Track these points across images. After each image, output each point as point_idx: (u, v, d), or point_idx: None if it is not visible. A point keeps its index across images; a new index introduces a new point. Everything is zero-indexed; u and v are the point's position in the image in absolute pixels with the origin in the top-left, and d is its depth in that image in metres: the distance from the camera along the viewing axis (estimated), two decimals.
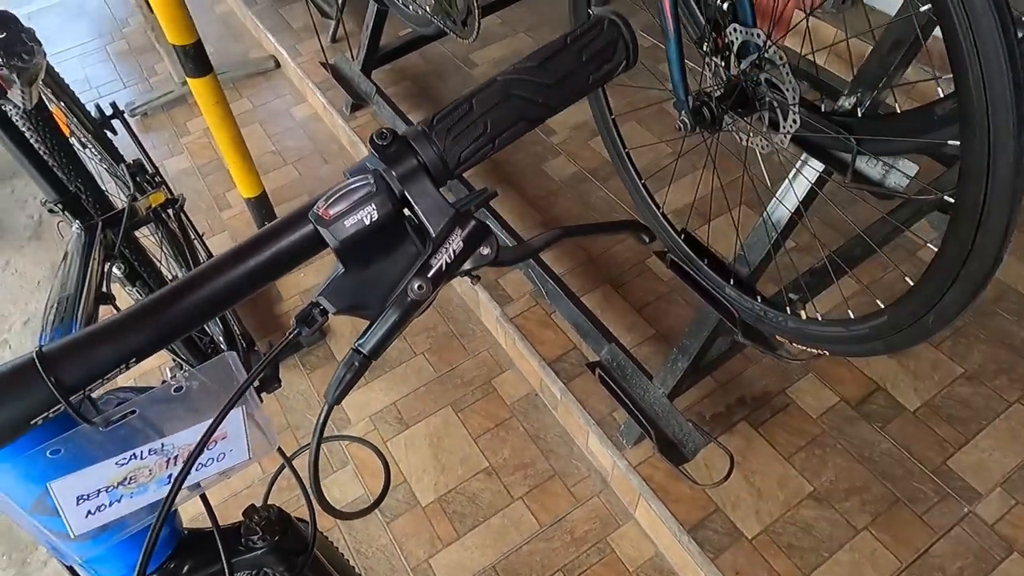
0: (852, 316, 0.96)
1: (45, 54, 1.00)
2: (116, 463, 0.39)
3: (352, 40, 2.33)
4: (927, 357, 1.56)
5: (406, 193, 0.37)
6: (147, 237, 1.49)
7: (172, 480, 0.41)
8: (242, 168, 1.87)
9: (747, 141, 1.00)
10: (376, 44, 2.21)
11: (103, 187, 1.25)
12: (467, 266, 0.38)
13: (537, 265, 1.67)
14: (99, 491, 0.40)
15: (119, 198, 1.45)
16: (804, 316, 1.05)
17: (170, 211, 1.45)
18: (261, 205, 1.95)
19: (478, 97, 0.39)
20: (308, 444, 0.61)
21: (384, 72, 2.37)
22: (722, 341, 1.40)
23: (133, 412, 0.40)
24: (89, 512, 0.40)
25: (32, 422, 0.33)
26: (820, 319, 1.03)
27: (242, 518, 0.55)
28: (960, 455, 1.41)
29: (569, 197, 2.00)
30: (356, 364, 0.37)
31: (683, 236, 1.29)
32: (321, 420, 0.39)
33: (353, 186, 0.36)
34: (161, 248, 1.50)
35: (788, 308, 1.09)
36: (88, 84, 2.76)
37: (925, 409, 1.48)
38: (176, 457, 0.42)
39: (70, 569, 0.47)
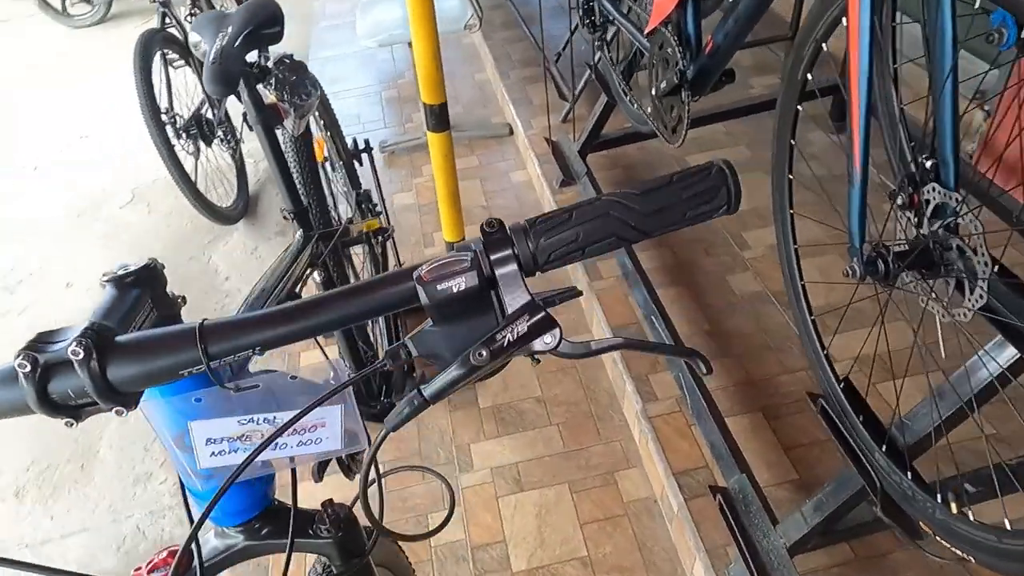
0: (1008, 527, 0.84)
1: (320, 96, 1.25)
2: (238, 421, 0.50)
3: (578, 124, 2.51)
4: None
5: (496, 274, 0.44)
6: (358, 255, 1.75)
7: (254, 448, 0.50)
8: (450, 215, 2.09)
9: (925, 304, 0.94)
10: (598, 131, 2.37)
11: (331, 206, 1.50)
12: (530, 348, 0.44)
13: (690, 374, 1.65)
14: (222, 439, 0.51)
15: (346, 216, 1.72)
16: (954, 509, 0.93)
17: (379, 237, 1.68)
18: None
19: (579, 210, 0.45)
20: (389, 471, 0.69)
21: (599, 156, 2.51)
22: (867, 510, 1.27)
23: (256, 386, 0.50)
24: (213, 453, 0.52)
25: (180, 372, 0.44)
26: (971, 518, 0.90)
27: (320, 508, 0.64)
28: None
29: (746, 314, 1.94)
30: (416, 403, 0.44)
31: (843, 385, 1.21)
32: (377, 442, 0.46)
33: (453, 259, 0.44)
34: (363, 267, 1.74)
35: (939, 495, 0.97)
36: (358, 120, 3.27)
37: None
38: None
39: (185, 500, 0.58)
